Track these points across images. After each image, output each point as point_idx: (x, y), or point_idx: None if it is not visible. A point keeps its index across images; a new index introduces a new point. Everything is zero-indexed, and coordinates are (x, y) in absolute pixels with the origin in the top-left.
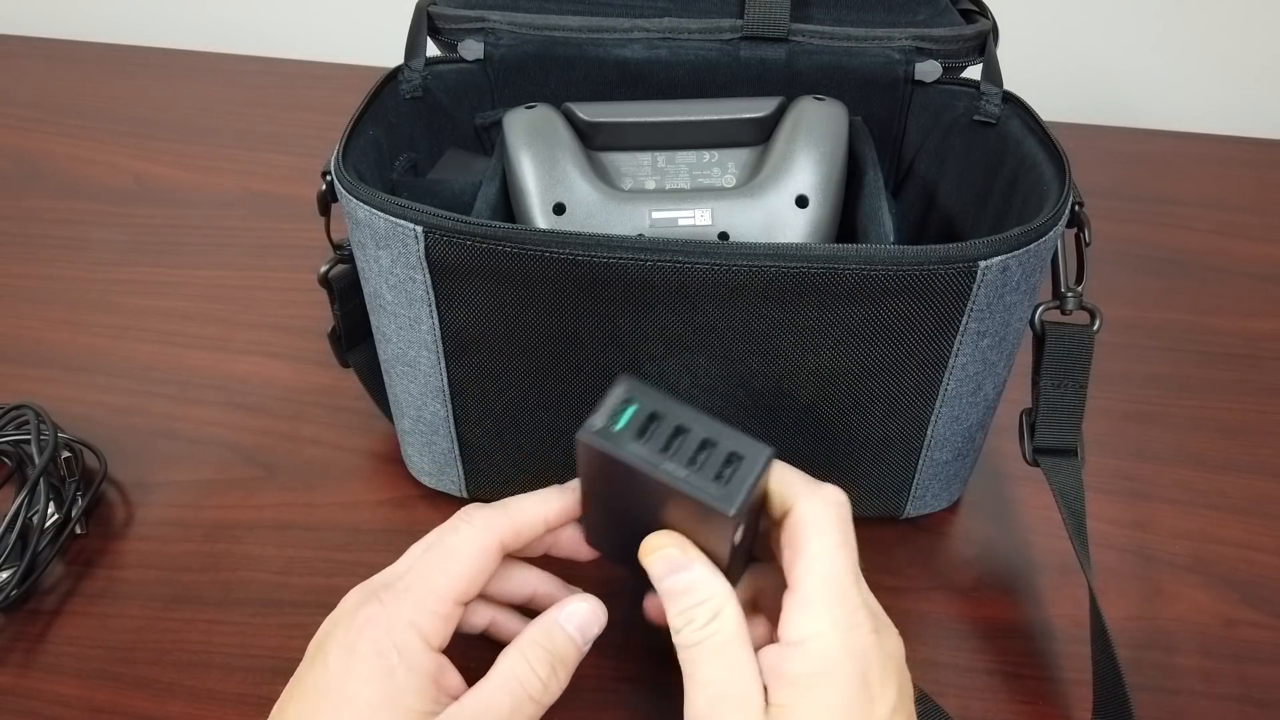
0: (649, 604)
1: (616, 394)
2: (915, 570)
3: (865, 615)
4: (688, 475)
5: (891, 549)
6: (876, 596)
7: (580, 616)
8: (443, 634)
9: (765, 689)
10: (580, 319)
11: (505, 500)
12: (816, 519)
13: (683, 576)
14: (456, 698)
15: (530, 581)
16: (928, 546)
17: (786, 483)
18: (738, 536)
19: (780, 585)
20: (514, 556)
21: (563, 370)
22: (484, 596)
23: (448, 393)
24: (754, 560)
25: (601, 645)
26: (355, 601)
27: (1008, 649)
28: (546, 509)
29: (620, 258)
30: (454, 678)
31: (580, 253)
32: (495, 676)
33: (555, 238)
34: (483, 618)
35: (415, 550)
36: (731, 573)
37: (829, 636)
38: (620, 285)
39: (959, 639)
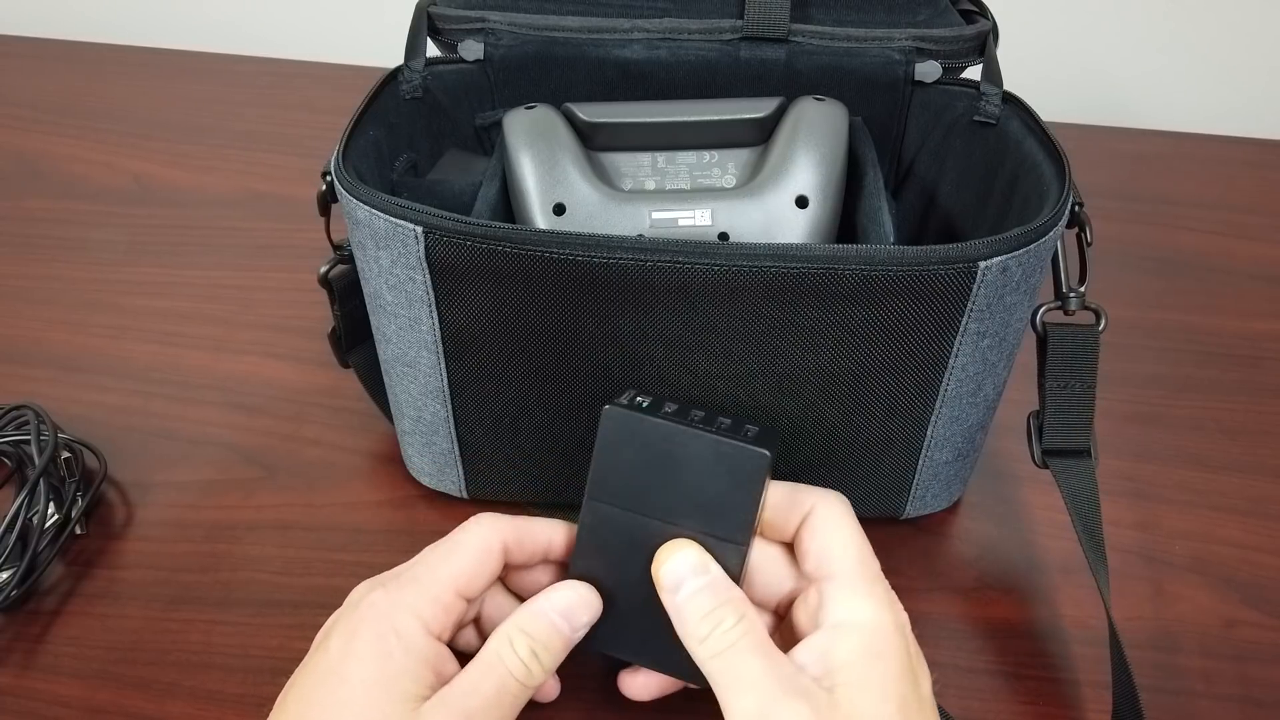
0: (625, 681)
1: (625, 396)
2: (915, 570)
3: (895, 595)
4: (716, 433)
5: (891, 549)
6: None
7: (565, 603)
8: (443, 622)
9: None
10: (580, 319)
11: (518, 515)
12: (836, 513)
13: (703, 580)
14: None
15: (504, 608)
16: (928, 547)
17: (792, 492)
18: (758, 521)
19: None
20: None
21: (563, 371)
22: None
23: (448, 393)
24: None
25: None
26: (362, 590)
27: (1008, 649)
28: (552, 533)
29: (620, 258)
30: (454, 668)
31: (580, 253)
32: (481, 659)
33: (555, 238)
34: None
35: (427, 550)
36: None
37: (876, 614)
38: (620, 285)
39: (959, 639)
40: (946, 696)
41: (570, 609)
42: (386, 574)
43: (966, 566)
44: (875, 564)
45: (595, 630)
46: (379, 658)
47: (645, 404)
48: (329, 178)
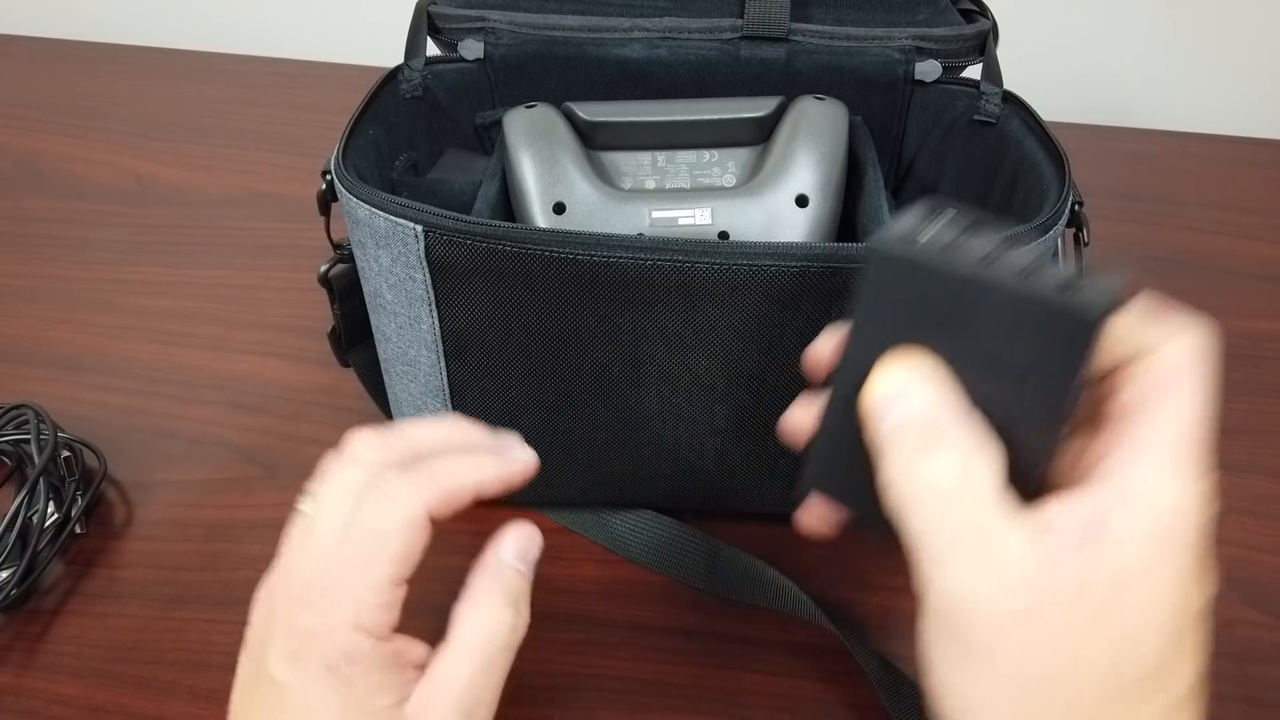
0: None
1: (915, 211)
2: None
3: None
4: (1027, 284)
5: (892, 549)
6: (875, 597)
7: (518, 544)
8: (389, 621)
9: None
10: (580, 319)
11: (428, 452)
12: (1193, 360)
13: (915, 403)
14: (423, 666)
15: None
16: None
17: (1138, 315)
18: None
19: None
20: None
21: (563, 370)
22: None
23: (448, 393)
24: None
25: (599, 646)
26: (286, 607)
27: None
28: (479, 477)
29: (620, 257)
30: (416, 650)
31: (580, 252)
32: (459, 641)
33: (555, 237)
34: None
35: (341, 543)
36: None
37: (1185, 495)
38: (620, 285)
39: None
40: None
41: (523, 550)
42: (293, 578)
43: None
44: (1208, 435)
45: (818, 470)
46: (339, 688)
47: (928, 234)
48: (329, 177)
